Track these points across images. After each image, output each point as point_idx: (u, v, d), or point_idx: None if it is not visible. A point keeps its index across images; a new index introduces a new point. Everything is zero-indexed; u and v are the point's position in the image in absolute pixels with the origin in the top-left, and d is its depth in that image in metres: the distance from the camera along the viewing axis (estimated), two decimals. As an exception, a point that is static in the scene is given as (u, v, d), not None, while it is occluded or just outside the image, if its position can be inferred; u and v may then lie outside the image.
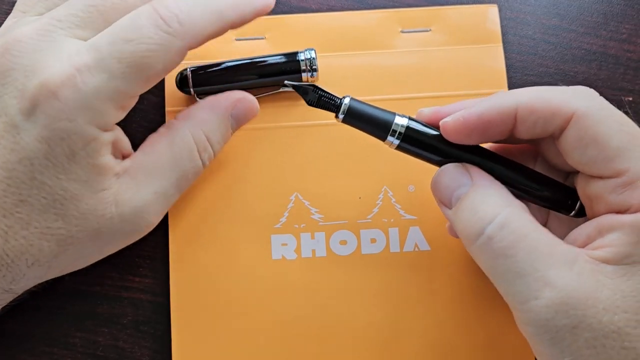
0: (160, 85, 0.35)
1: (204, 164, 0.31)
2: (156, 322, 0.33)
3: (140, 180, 0.28)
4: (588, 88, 0.27)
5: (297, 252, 0.33)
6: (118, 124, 0.28)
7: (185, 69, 0.33)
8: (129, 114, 0.28)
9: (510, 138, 0.28)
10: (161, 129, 0.31)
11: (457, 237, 0.30)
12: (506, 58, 0.36)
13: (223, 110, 0.31)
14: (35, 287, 0.30)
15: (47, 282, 0.30)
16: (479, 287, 0.33)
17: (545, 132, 0.26)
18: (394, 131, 0.27)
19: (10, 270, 0.26)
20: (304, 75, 0.34)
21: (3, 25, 0.29)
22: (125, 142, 0.30)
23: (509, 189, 0.28)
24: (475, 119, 0.27)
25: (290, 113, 0.35)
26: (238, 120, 0.32)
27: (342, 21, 0.36)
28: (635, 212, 0.24)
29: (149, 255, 0.33)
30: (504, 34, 0.36)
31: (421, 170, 0.30)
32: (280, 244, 0.33)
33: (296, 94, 0.35)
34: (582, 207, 0.28)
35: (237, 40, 0.36)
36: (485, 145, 0.29)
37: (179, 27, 0.26)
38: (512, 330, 0.31)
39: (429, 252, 0.33)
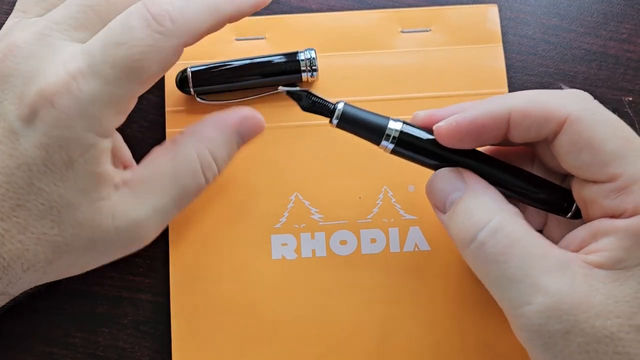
0: (160, 85, 0.35)
1: (207, 181, 0.30)
2: (156, 322, 0.33)
3: (139, 194, 0.28)
4: (582, 91, 0.27)
5: (297, 252, 0.33)
6: (118, 129, 0.28)
7: (186, 69, 0.33)
8: (129, 114, 0.28)
9: (505, 141, 0.28)
10: (166, 143, 0.30)
11: None
12: (506, 58, 0.36)
13: (229, 127, 0.30)
14: (32, 289, 0.30)
15: (43, 284, 0.30)
16: (479, 287, 0.33)
17: (539, 136, 0.26)
18: (388, 135, 0.28)
19: (7, 273, 0.26)
20: (304, 75, 0.34)
21: (4, 26, 0.29)
22: (126, 151, 0.30)
23: (504, 192, 0.28)
24: (468, 123, 0.27)
25: (290, 113, 0.35)
26: (244, 138, 0.31)
27: (342, 21, 0.36)
28: (629, 216, 0.24)
29: (149, 255, 0.33)
30: (504, 34, 0.36)
31: (421, 170, 0.30)
32: (280, 244, 0.33)
33: (296, 94, 0.35)
34: (578, 209, 0.28)
35: (237, 40, 0.36)
36: (482, 148, 0.29)
37: (171, 26, 0.25)
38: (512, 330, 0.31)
39: (429, 252, 0.33)
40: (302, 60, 0.34)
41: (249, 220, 0.33)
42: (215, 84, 0.34)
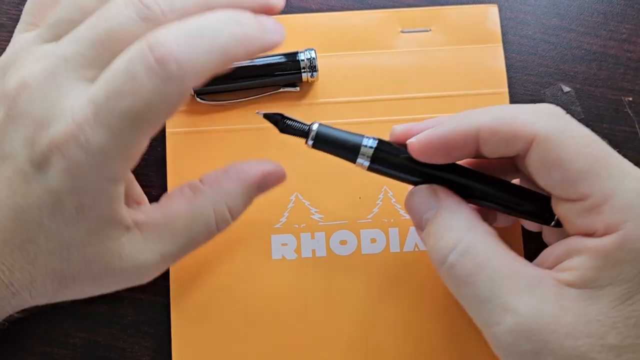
0: (160, 85, 0.34)
1: (219, 231, 0.30)
2: (156, 322, 0.33)
3: (149, 239, 0.28)
4: (552, 107, 0.26)
5: (297, 252, 0.33)
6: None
7: (185, 69, 0.33)
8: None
9: (483, 155, 0.27)
10: (185, 189, 0.29)
11: None
12: (506, 58, 0.36)
13: (250, 182, 0.30)
14: None
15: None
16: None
17: (509, 152, 0.26)
18: (363, 154, 0.28)
19: (15, 299, 0.27)
20: (304, 75, 0.34)
21: (13, 40, 0.29)
22: (136, 189, 0.30)
23: (484, 204, 0.28)
24: (438, 140, 0.26)
25: (291, 113, 0.34)
26: (263, 190, 0.31)
27: (342, 21, 0.36)
28: (600, 236, 0.24)
29: (149, 255, 0.33)
30: (504, 34, 0.36)
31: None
32: (280, 244, 0.33)
33: (296, 94, 0.35)
34: None
35: (237, 40, 0.36)
36: (464, 161, 0.29)
37: (176, 70, 0.23)
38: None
39: (429, 252, 0.33)
40: (302, 60, 0.34)
41: (249, 220, 0.33)
42: (215, 84, 0.34)
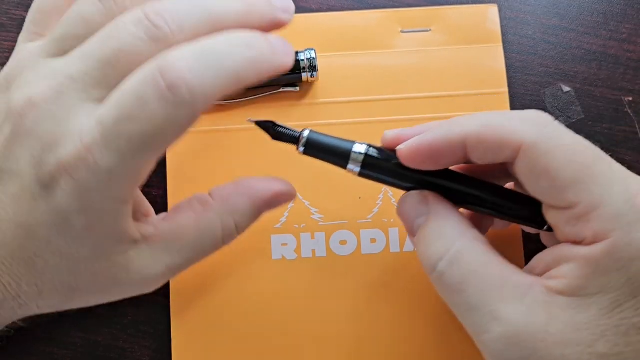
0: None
1: (224, 244, 0.30)
2: (156, 322, 0.33)
3: (156, 252, 0.28)
4: (541, 113, 0.26)
5: (297, 252, 0.33)
6: None
7: (185, 69, 0.33)
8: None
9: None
10: (194, 202, 0.29)
11: None
12: (506, 58, 0.36)
13: (260, 201, 0.30)
14: None
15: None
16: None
17: (497, 159, 0.26)
18: (353, 160, 0.28)
19: (22, 309, 0.27)
20: (304, 75, 0.34)
21: (17, 50, 0.29)
22: (144, 203, 0.30)
23: (476, 209, 0.28)
24: (425, 148, 0.26)
25: (291, 113, 0.35)
26: (271, 208, 0.31)
27: (342, 21, 0.36)
28: (589, 244, 0.24)
29: (149, 255, 0.33)
30: (504, 34, 0.36)
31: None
32: (280, 244, 0.33)
33: (296, 94, 0.35)
34: None
35: (237, 40, 0.36)
36: (459, 165, 0.29)
37: (187, 96, 0.23)
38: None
39: (429, 252, 0.33)
40: (302, 60, 0.34)
41: (249, 220, 0.33)
42: (215, 84, 0.34)
